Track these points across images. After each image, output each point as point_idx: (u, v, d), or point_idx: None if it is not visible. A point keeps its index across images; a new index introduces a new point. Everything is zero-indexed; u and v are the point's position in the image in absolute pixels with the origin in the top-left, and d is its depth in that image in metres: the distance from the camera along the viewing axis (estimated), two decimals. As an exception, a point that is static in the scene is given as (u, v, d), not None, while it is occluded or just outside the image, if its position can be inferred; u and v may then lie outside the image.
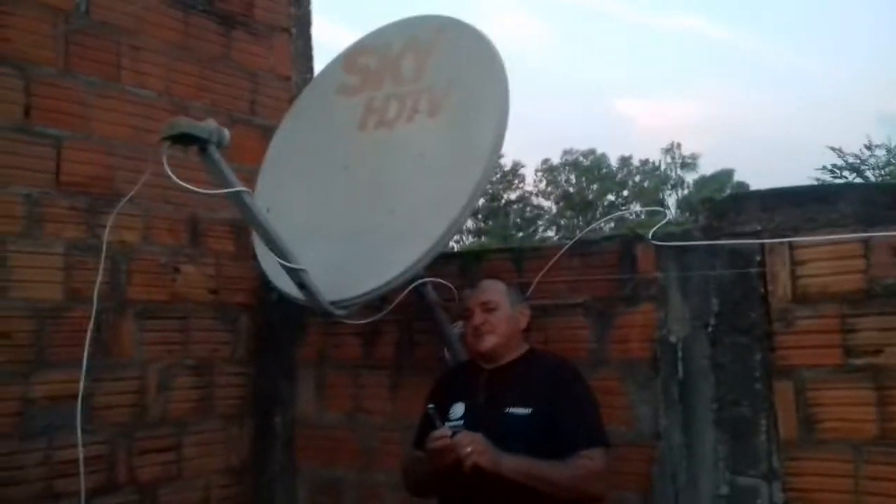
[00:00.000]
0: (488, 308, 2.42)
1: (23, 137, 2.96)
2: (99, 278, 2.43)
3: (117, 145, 3.21)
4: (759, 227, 2.55)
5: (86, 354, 2.33)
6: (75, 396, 2.50)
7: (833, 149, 17.20)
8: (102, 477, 3.07)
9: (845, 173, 16.92)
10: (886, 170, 16.94)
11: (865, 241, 2.36)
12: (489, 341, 2.40)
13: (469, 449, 2.10)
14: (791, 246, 2.48)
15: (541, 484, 2.15)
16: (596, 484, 2.23)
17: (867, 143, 17.49)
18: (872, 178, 16.25)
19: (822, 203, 2.47)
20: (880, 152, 17.46)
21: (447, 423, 2.27)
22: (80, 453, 2.29)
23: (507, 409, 2.28)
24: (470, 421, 2.28)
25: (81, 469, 2.30)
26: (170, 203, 3.36)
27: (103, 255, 2.48)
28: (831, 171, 16.96)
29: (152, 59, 3.37)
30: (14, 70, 2.95)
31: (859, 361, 2.35)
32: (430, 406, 2.29)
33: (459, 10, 2.83)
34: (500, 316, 2.42)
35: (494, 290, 2.47)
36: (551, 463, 2.18)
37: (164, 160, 2.12)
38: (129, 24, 3.30)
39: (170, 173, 2.09)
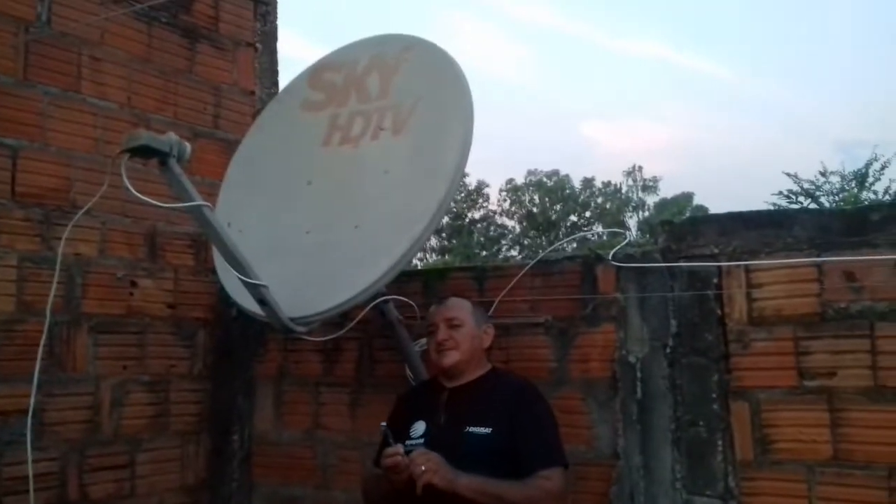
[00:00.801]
0: (453, 325, 2.43)
1: (-22, 147, 2.90)
2: (53, 291, 2.38)
3: (76, 157, 3.16)
4: (716, 251, 2.59)
5: (37, 368, 2.28)
6: (26, 411, 2.44)
7: (789, 175, 17.61)
8: (53, 494, 2.99)
9: (801, 199, 17.32)
10: (840, 196, 17.36)
11: (819, 266, 2.42)
12: (452, 357, 2.40)
13: (423, 468, 2.09)
14: (747, 269, 2.52)
15: (497, 503, 2.14)
16: (553, 502, 2.23)
17: (822, 169, 17.94)
18: (827, 204, 16.63)
19: (778, 227, 2.53)
20: (835, 179, 17.91)
21: (408, 442, 2.27)
22: (30, 470, 2.23)
23: (467, 428, 2.28)
24: (430, 440, 2.28)
25: (31, 486, 2.23)
26: (128, 216, 3.31)
27: (58, 267, 2.43)
28: (787, 197, 17.36)
29: (114, 70, 3.32)
30: (-30, 78, 2.89)
31: (813, 383, 2.40)
32: (383, 424, 2.28)
33: (426, 29, 2.89)
34: (464, 333, 2.43)
35: (460, 308, 2.49)
36: (508, 483, 2.18)
37: (123, 173, 2.09)
38: (91, 35, 3.26)
39: (128, 186, 2.06)
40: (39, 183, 3.05)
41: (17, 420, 2.82)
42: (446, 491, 2.10)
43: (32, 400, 2.31)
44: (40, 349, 2.31)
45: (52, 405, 3.02)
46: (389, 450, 2.19)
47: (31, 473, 2.24)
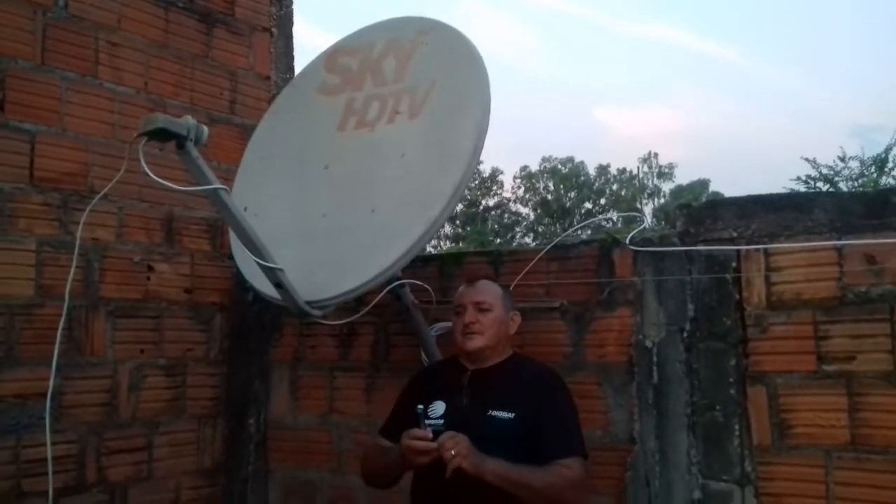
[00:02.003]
0: (482, 308, 2.41)
1: (-4, 132, 2.91)
2: (71, 275, 2.40)
3: (93, 141, 3.18)
4: (735, 234, 2.57)
5: (56, 352, 2.29)
6: (45, 394, 2.46)
7: (807, 160, 17.46)
8: (71, 476, 3.03)
9: (819, 184, 17.16)
10: (859, 181, 17.20)
11: (839, 249, 2.40)
12: (477, 341, 2.38)
13: (453, 452, 2.08)
14: (766, 252, 2.50)
15: (519, 489, 2.14)
16: (573, 493, 2.22)
17: (841, 154, 17.77)
18: (846, 190, 16.47)
19: (798, 211, 2.50)
20: (854, 164, 17.75)
21: (427, 421, 2.26)
22: (49, 452, 2.25)
23: (490, 412, 2.27)
24: (451, 421, 2.27)
25: (50, 468, 2.25)
26: (145, 201, 3.33)
27: (76, 251, 2.44)
28: (805, 182, 17.21)
29: (131, 55, 3.34)
30: (-12, 63, 2.91)
31: (832, 368, 2.38)
32: (420, 407, 2.25)
33: (442, 13, 2.83)
34: (491, 318, 2.41)
35: (490, 292, 2.46)
36: (531, 469, 2.17)
37: (141, 156, 2.09)
38: (109, 19, 3.27)
39: (146, 170, 2.06)
40: (57, 168, 3.07)
41: (35, 403, 2.85)
42: (473, 476, 2.10)
43: (52, 383, 2.33)
44: (59, 333, 2.32)
45: (71, 388, 3.05)
46: (418, 432, 2.17)
47: (49, 456, 2.26)
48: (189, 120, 2.13)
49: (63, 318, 2.35)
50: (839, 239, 2.40)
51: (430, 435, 2.15)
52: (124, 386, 3.23)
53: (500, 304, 2.45)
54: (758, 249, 2.51)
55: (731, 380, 2.53)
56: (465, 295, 2.46)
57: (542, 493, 2.16)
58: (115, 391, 3.20)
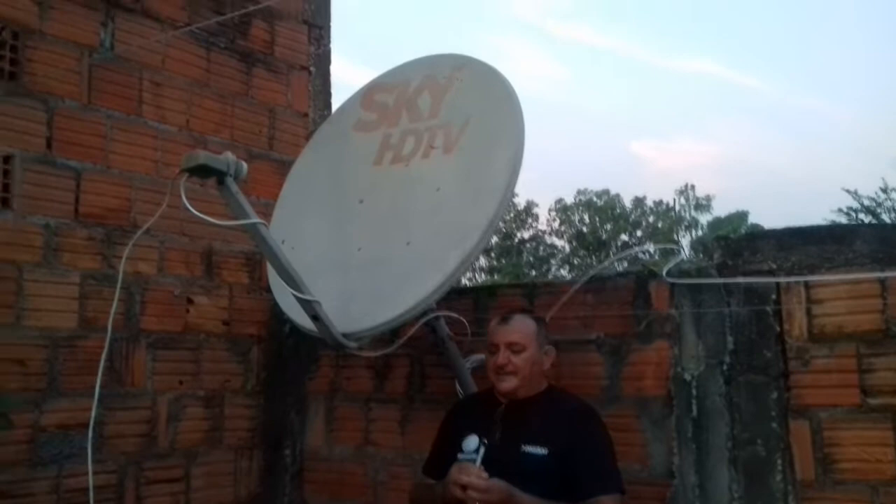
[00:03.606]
0: (515, 349, 2.38)
1: (44, 168, 3.01)
2: (114, 308, 2.45)
3: (136, 178, 3.26)
4: (774, 266, 2.54)
5: (98, 383, 2.34)
6: (86, 425, 2.50)
7: (848, 191, 17.14)
8: (111, 507, 3.06)
9: (860, 215, 16.83)
10: (902, 212, 16.82)
11: (882, 281, 2.35)
12: (511, 382, 2.37)
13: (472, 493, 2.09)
14: (807, 285, 2.46)
15: None
16: None
17: (883, 185, 17.42)
18: (888, 221, 16.14)
19: (839, 242, 2.47)
20: (896, 195, 17.36)
21: (460, 455, 2.25)
22: (91, 482, 2.28)
23: (523, 448, 2.25)
24: (485, 456, 2.26)
25: (91, 498, 2.28)
26: (185, 235, 3.40)
27: (119, 284, 2.50)
28: (846, 214, 16.88)
29: (174, 94, 3.43)
30: (38, 103, 3.01)
31: (876, 401, 2.32)
32: (484, 441, 2.25)
33: (477, 50, 2.87)
34: (525, 358, 2.38)
35: (523, 331, 2.41)
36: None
37: (183, 192, 2.14)
38: (153, 60, 3.37)
39: (187, 205, 2.11)
40: (102, 203, 3.16)
41: (77, 433, 2.90)
42: None
43: (93, 414, 2.37)
44: (101, 364, 2.37)
45: (111, 419, 3.10)
46: (473, 469, 2.17)
47: (91, 485, 2.29)
48: (229, 156, 2.19)
49: (105, 350, 2.39)
50: (882, 270, 2.36)
51: (485, 475, 2.15)
52: (163, 417, 3.27)
53: (534, 341, 2.41)
54: (798, 282, 2.47)
55: (773, 413, 2.48)
56: (498, 333, 2.42)
57: None
58: (154, 422, 3.24)
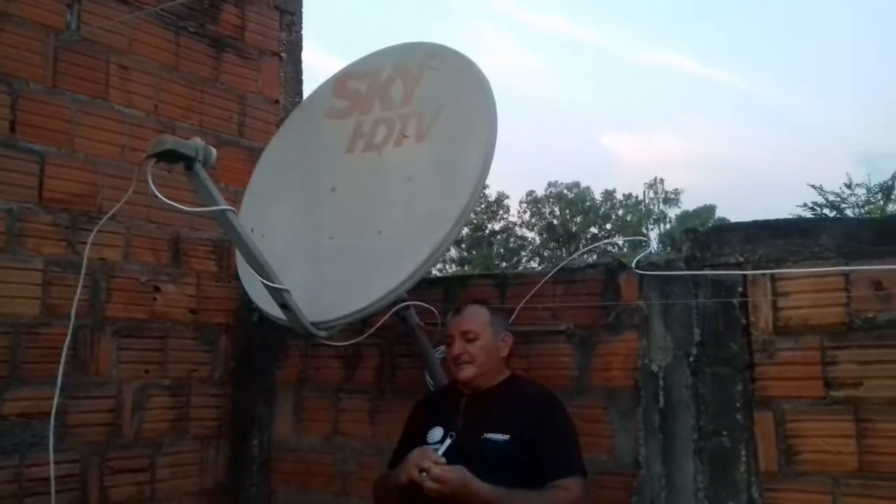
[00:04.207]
0: (469, 338, 2.41)
1: (7, 152, 2.94)
2: (77, 295, 2.40)
3: (102, 163, 3.20)
4: (741, 259, 2.57)
5: (60, 371, 2.29)
6: (48, 414, 2.46)
7: (814, 186, 17.41)
8: (74, 496, 3.02)
9: (825, 211, 17.12)
10: (866, 208, 17.14)
11: (847, 275, 2.39)
12: (468, 370, 2.39)
13: (434, 485, 2.10)
14: (773, 278, 2.50)
15: None
16: None
17: (847, 181, 17.73)
18: (852, 216, 16.43)
19: (805, 236, 2.50)
20: (860, 191, 17.69)
21: (425, 447, 2.26)
22: (52, 471, 2.24)
23: (484, 435, 2.27)
24: (448, 445, 2.27)
25: (52, 488, 2.24)
26: (152, 222, 3.35)
27: (83, 271, 2.45)
28: (812, 209, 17.16)
29: (141, 78, 3.37)
30: (1, 85, 2.94)
31: (839, 394, 2.36)
32: (451, 433, 2.27)
33: (450, 38, 2.86)
34: (480, 346, 2.41)
35: (477, 320, 2.46)
36: (526, 493, 2.16)
37: (150, 177, 2.10)
38: (120, 43, 3.30)
39: (155, 191, 2.07)
40: (66, 188, 3.09)
41: (39, 422, 2.85)
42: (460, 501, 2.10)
43: (55, 402, 2.33)
44: (64, 352, 2.32)
45: (75, 408, 3.05)
46: (433, 454, 2.18)
47: (52, 475, 2.26)
48: (198, 142, 2.16)
49: (69, 338, 2.35)
50: (847, 265, 2.39)
51: (443, 460, 2.16)
52: (128, 406, 3.22)
53: (489, 329, 2.44)
54: (764, 274, 2.51)
55: (738, 405, 2.51)
56: (453, 324, 2.47)
57: None
58: (119, 411, 3.20)
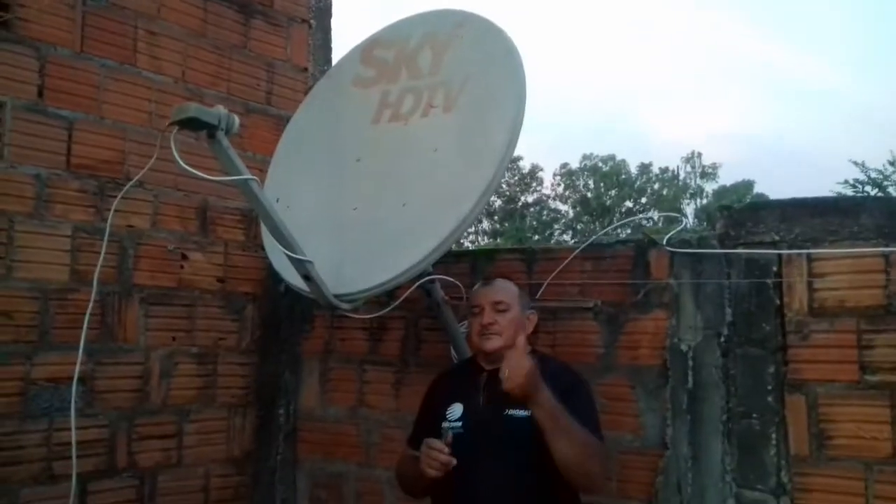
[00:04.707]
0: (499, 309, 2.36)
1: (35, 118, 2.95)
2: (100, 261, 2.40)
3: (130, 129, 3.20)
4: (777, 238, 2.49)
5: (83, 336, 2.30)
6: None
7: (856, 163, 16.96)
8: (102, 460, 3.07)
9: (867, 188, 16.69)
10: (909, 187, 16.68)
11: (887, 256, 2.31)
12: (496, 342, 2.34)
13: (507, 376, 2.05)
14: (809, 258, 2.42)
15: (561, 431, 2.07)
16: (602, 465, 2.20)
17: (891, 158, 17.24)
18: (895, 195, 16.00)
19: (844, 215, 2.41)
20: (904, 168, 17.18)
21: (444, 424, 2.23)
22: (73, 436, 2.27)
23: (506, 411, 2.22)
24: (469, 422, 2.25)
25: (74, 452, 2.27)
26: (180, 189, 3.35)
27: (106, 237, 2.45)
28: (853, 186, 16.73)
29: (169, 44, 3.35)
30: (29, 50, 2.94)
31: (875, 378, 2.29)
32: (445, 425, 2.23)
33: (481, 6, 2.79)
34: (509, 318, 2.36)
35: (508, 291, 2.42)
36: (577, 422, 2.11)
37: (173, 145, 2.08)
38: (148, 8, 3.28)
39: (178, 158, 2.05)
40: (94, 155, 3.10)
41: (68, 387, 2.88)
42: (526, 397, 2.06)
43: (77, 367, 2.34)
44: (87, 317, 2.33)
45: (103, 374, 3.08)
46: (435, 443, 2.14)
47: (73, 439, 2.29)
48: (220, 109, 2.13)
49: (91, 304, 2.37)
50: (887, 245, 2.30)
51: (447, 447, 2.12)
52: (156, 373, 3.25)
53: (517, 303, 2.40)
54: (800, 254, 2.43)
55: (769, 387, 2.45)
56: (482, 294, 2.41)
57: (577, 447, 2.09)
58: (147, 378, 3.23)
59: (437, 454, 2.12)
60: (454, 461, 2.10)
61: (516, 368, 2.06)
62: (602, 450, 2.20)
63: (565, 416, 2.09)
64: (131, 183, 2.54)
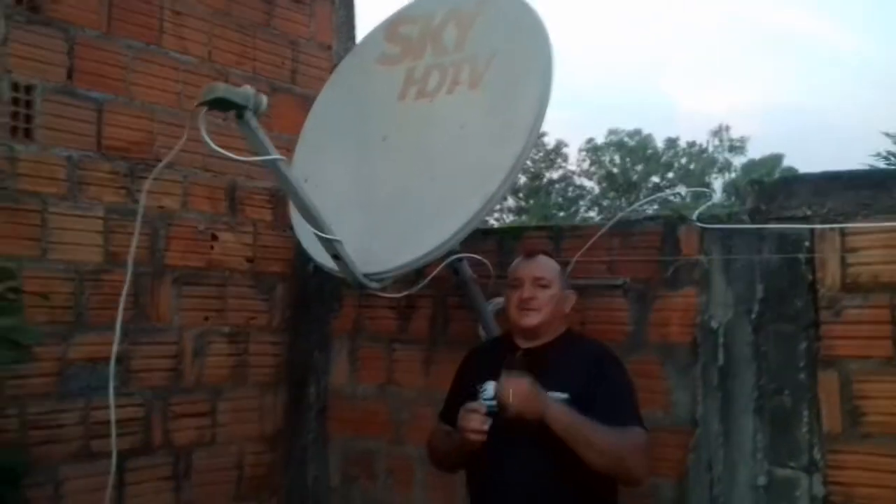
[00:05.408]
0: (541, 284, 2.33)
1: (66, 100, 2.97)
2: (134, 243, 2.43)
3: (158, 110, 3.22)
4: (809, 212, 2.45)
5: (119, 317, 2.33)
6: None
7: (888, 135, 16.60)
8: (138, 439, 3.12)
9: (900, 160, 16.35)
10: (945, 158, 16.32)
11: (922, 230, 2.26)
12: (534, 318, 2.31)
13: (510, 397, 2.03)
14: (842, 232, 2.38)
15: (583, 445, 2.05)
16: (640, 460, 2.16)
17: (924, 129, 16.85)
18: (930, 166, 15.67)
19: (878, 189, 2.37)
20: (939, 140, 16.80)
21: (480, 401, 2.23)
22: (112, 415, 2.31)
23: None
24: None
25: (113, 431, 2.31)
26: (209, 170, 3.37)
27: (139, 219, 2.47)
28: (886, 158, 16.39)
29: (195, 24, 3.35)
30: (58, 32, 2.95)
31: (910, 354, 2.26)
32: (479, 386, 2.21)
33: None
34: (550, 295, 2.33)
35: (549, 268, 2.39)
36: (599, 426, 2.08)
37: (202, 126, 2.09)
38: (173, -13, 3.29)
39: (206, 139, 2.06)
40: (124, 136, 3.12)
41: (104, 367, 2.90)
42: (535, 422, 2.04)
43: (115, 347, 2.38)
44: (122, 298, 2.36)
45: (138, 353, 3.13)
46: (474, 405, 2.12)
47: (112, 418, 2.31)
48: (248, 89, 2.13)
49: (126, 285, 2.38)
50: (923, 219, 2.26)
51: (485, 409, 2.11)
52: (189, 352, 3.30)
53: (558, 280, 2.38)
54: (833, 229, 2.39)
55: (801, 364, 2.43)
56: (524, 268, 2.38)
57: (606, 454, 2.08)
58: (181, 357, 3.27)
59: (475, 415, 2.10)
60: (489, 421, 2.08)
61: (517, 394, 2.03)
62: (639, 441, 2.15)
63: (585, 425, 2.06)
64: (163, 164, 2.55)
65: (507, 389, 2.05)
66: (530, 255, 2.44)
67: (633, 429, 2.16)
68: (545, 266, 2.39)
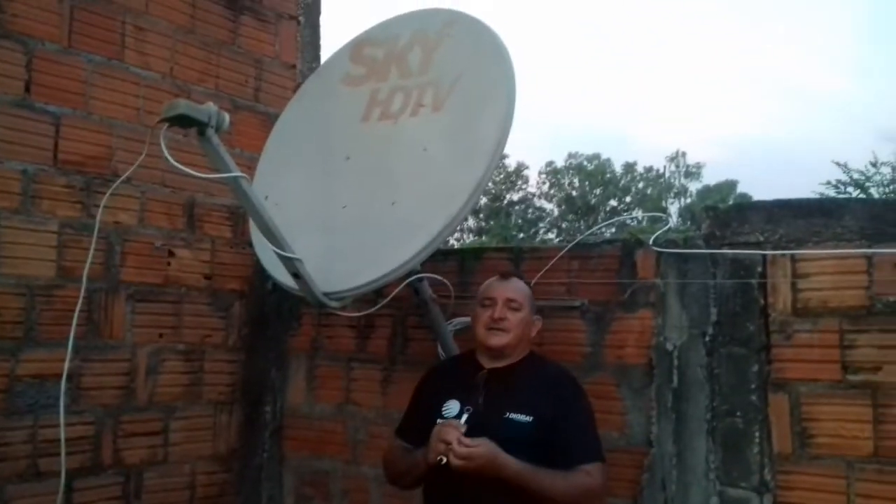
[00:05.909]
0: (512, 307, 2.36)
1: (22, 113, 2.92)
2: (90, 258, 2.39)
3: (117, 125, 3.18)
4: (761, 238, 2.52)
5: (72, 333, 2.30)
6: (62, 375, 2.46)
7: (838, 164, 17.12)
8: (87, 458, 3.05)
9: (850, 189, 16.85)
10: (891, 187, 16.87)
11: (869, 257, 2.34)
12: (503, 338, 2.33)
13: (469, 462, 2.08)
14: (793, 258, 2.45)
15: (536, 493, 2.12)
16: (590, 501, 2.22)
17: (873, 160, 17.40)
18: (877, 196, 16.15)
19: (828, 216, 2.45)
20: (886, 170, 17.37)
21: (439, 421, 2.23)
22: (62, 433, 2.26)
23: (507, 415, 2.22)
24: (467, 421, 2.23)
25: (63, 449, 2.26)
26: (167, 186, 3.33)
27: (95, 234, 2.44)
28: (836, 187, 16.88)
29: (157, 40, 3.33)
30: (16, 44, 2.91)
31: (857, 378, 2.33)
32: (468, 407, 2.24)
33: (470, 5, 2.80)
34: (520, 318, 2.36)
35: (522, 292, 2.42)
36: (551, 475, 2.14)
37: (162, 142, 2.08)
38: (136, 3, 3.26)
39: (167, 155, 2.05)
40: (81, 150, 3.07)
41: (53, 384, 2.87)
42: (490, 474, 2.09)
43: (66, 364, 2.33)
44: (76, 315, 2.32)
45: (89, 370, 3.06)
46: (455, 431, 2.15)
47: (62, 437, 2.27)
48: (211, 107, 2.12)
49: (80, 300, 2.35)
50: (869, 247, 2.34)
51: (463, 428, 2.15)
52: (142, 370, 3.24)
53: (528, 304, 2.41)
54: (784, 255, 2.46)
55: (753, 386, 2.48)
56: (497, 289, 2.40)
57: (561, 499, 2.14)
58: (133, 374, 3.21)
59: (452, 430, 2.12)
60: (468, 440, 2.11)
61: (475, 458, 2.08)
62: (594, 484, 2.20)
63: (537, 476, 2.12)
64: (121, 179, 2.53)
65: (465, 456, 2.08)
66: (505, 276, 2.47)
67: (592, 468, 2.20)
68: (518, 289, 2.42)
